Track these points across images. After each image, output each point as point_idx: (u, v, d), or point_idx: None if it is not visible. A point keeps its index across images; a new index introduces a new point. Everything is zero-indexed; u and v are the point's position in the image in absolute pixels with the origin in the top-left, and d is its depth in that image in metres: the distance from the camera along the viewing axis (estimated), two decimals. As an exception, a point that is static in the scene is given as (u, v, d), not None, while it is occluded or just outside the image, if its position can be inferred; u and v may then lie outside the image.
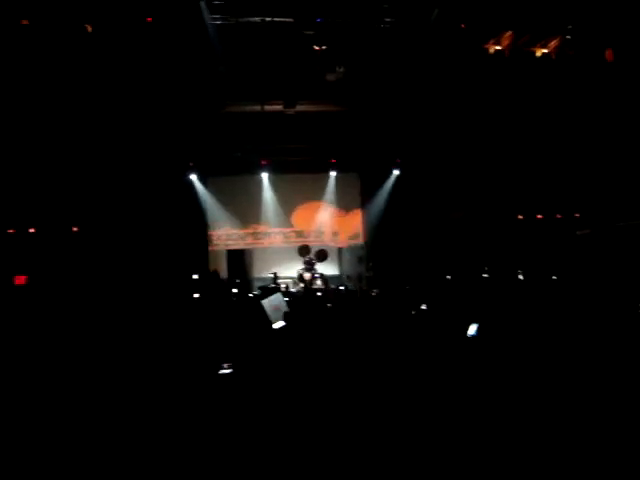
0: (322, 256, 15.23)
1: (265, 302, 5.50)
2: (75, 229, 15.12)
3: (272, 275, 13.25)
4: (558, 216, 16.46)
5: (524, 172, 15.63)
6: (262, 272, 16.09)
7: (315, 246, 16.19)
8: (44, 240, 14.59)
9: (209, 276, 13.54)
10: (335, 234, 17.73)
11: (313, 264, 14.35)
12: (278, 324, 5.40)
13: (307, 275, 14.05)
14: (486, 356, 4.38)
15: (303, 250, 15.06)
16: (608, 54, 12.65)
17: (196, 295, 12.48)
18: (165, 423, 3.73)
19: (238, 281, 13.85)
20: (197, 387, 4.23)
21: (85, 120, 13.69)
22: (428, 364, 4.38)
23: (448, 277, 14.16)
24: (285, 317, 5.42)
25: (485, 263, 14.55)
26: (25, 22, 11.01)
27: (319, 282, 14.38)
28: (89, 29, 11.31)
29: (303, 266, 14.42)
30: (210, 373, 4.40)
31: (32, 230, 14.75)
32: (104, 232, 15.06)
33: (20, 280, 13.23)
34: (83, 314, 8.08)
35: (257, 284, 15.12)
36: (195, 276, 14.10)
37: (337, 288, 13.65)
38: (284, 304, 5.64)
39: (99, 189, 15.01)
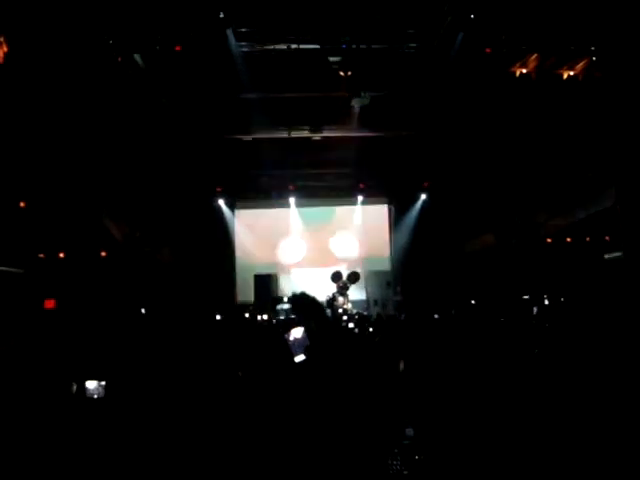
0: (355, 278, 14.90)
1: (287, 335, 5.48)
2: (103, 254, 15.29)
3: None
4: (587, 239, 16.18)
5: (553, 194, 15.44)
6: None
7: (343, 268, 15.98)
8: (73, 264, 14.77)
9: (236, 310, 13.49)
10: (362, 258, 17.65)
11: (347, 288, 14.12)
12: (299, 357, 5.37)
13: (340, 300, 13.79)
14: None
15: (336, 276, 14.75)
16: None
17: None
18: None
19: (251, 307, 13.77)
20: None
21: (114, 146, 13.89)
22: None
23: (472, 302, 13.94)
24: (306, 351, 5.39)
25: (513, 287, 14.31)
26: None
27: (349, 306, 14.10)
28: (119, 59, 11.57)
29: (335, 290, 14.12)
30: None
31: (61, 255, 14.95)
32: (133, 256, 15.23)
33: (50, 304, 13.36)
34: (110, 337, 8.13)
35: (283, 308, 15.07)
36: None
37: (362, 313, 13.51)
38: (305, 337, 5.61)
39: (128, 214, 15.21)
